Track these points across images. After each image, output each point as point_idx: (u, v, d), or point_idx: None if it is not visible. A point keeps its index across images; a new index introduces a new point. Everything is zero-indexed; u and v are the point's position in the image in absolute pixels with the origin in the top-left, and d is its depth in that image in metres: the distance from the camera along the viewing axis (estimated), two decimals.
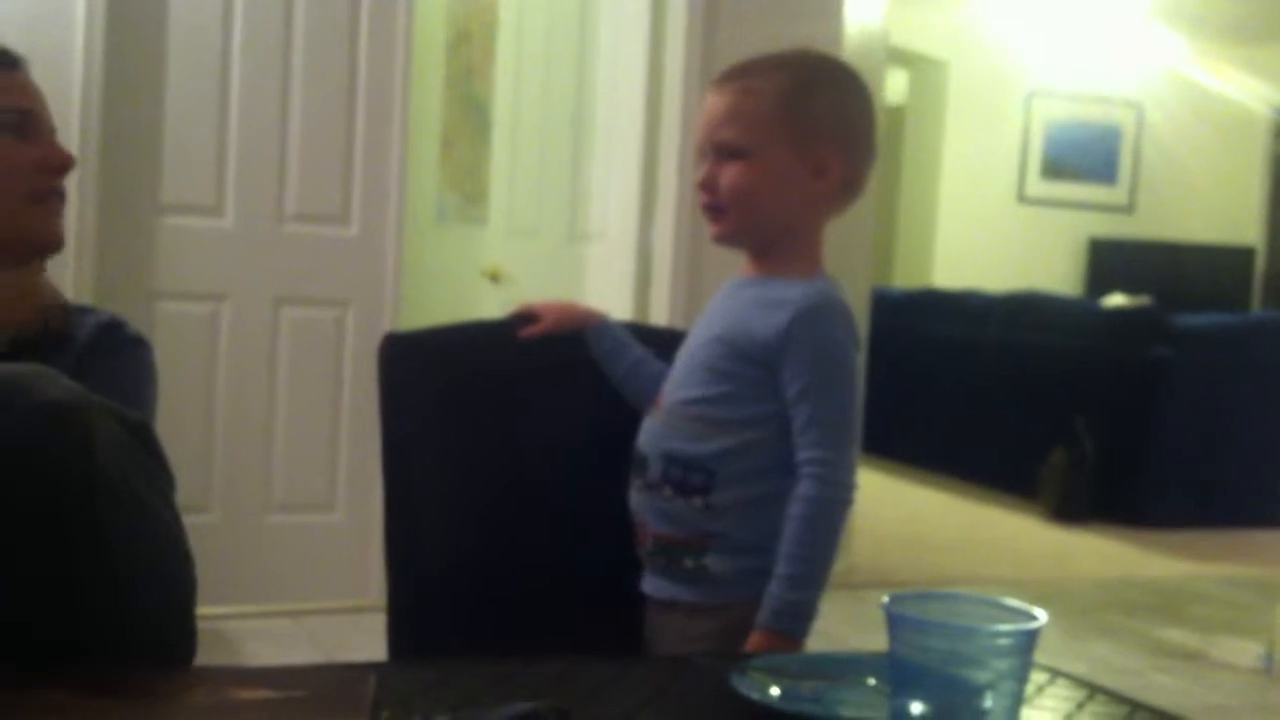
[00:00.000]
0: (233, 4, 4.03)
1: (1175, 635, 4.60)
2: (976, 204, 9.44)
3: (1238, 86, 9.76)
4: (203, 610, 1.50)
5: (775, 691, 1.21)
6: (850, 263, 4.66)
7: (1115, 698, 1.30)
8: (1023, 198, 9.58)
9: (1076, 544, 6.00)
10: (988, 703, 0.97)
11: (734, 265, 1.79)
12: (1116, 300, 7.16)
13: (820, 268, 1.73)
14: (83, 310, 1.78)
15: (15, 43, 1.78)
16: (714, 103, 1.71)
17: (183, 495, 1.51)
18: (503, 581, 1.80)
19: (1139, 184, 9.81)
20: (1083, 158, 9.67)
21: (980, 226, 9.44)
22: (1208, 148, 9.80)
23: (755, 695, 1.19)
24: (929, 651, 0.98)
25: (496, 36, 5.15)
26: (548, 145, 4.81)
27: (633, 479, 1.75)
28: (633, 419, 1.81)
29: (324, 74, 4.12)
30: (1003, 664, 0.98)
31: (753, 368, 1.67)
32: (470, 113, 5.60)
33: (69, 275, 3.64)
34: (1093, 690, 1.31)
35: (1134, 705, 1.28)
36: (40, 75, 1.77)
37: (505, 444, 1.82)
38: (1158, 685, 3.99)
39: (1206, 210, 9.89)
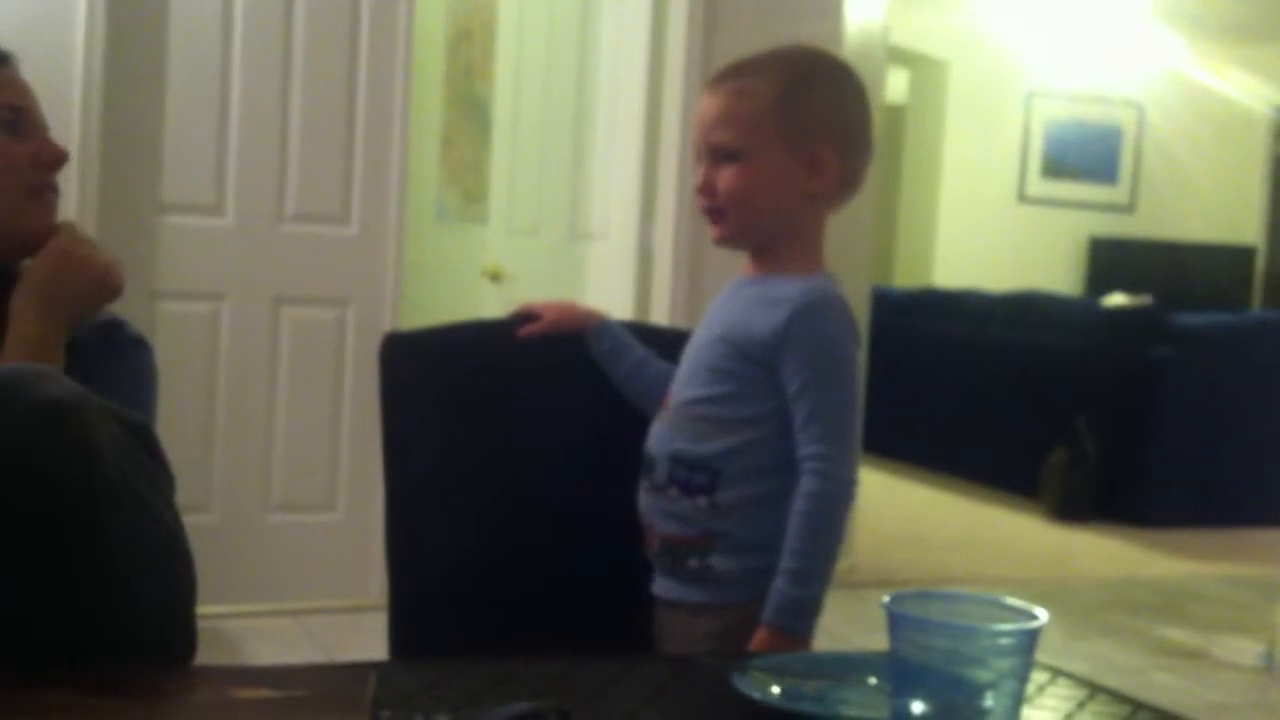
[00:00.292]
0: (233, 3, 4.03)
1: (1176, 634, 4.60)
2: (977, 203, 9.44)
3: (1238, 86, 9.76)
4: (203, 610, 1.49)
5: (777, 691, 1.21)
6: (851, 262, 4.65)
7: (1116, 697, 1.30)
8: (1023, 197, 9.58)
9: (1077, 543, 5.99)
10: (989, 702, 0.97)
11: (735, 264, 1.79)
12: (1117, 300, 7.16)
13: (821, 265, 1.73)
14: None
15: (15, 42, 1.78)
16: (708, 104, 1.71)
17: (183, 495, 1.51)
18: (503, 581, 1.80)
19: (1139, 183, 9.81)
20: (1083, 157, 9.67)
21: (981, 226, 9.44)
22: (1208, 147, 9.80)
23: (757, 694, 1.18)
24: (930, 651, 0.98)
25: (497, 35, 5.15)
26: (548, 144, 4.81)
27: (641, 480, 1.75)
28: (634, 418, 1.81)
29: (324, 73, 4.12)
30: (1004, 663, 0.98)
31: (753, 366, 1.67)
32: (471, 111, 5.60)
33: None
34: (1094, 689, 1.31)
35: (1135, 704, 1.28)
36: (40, 74, 1.77)
37: (506, 443, 1.82)
38: (1159, 684, 3.99)
39: (1207, 210, 9.89)
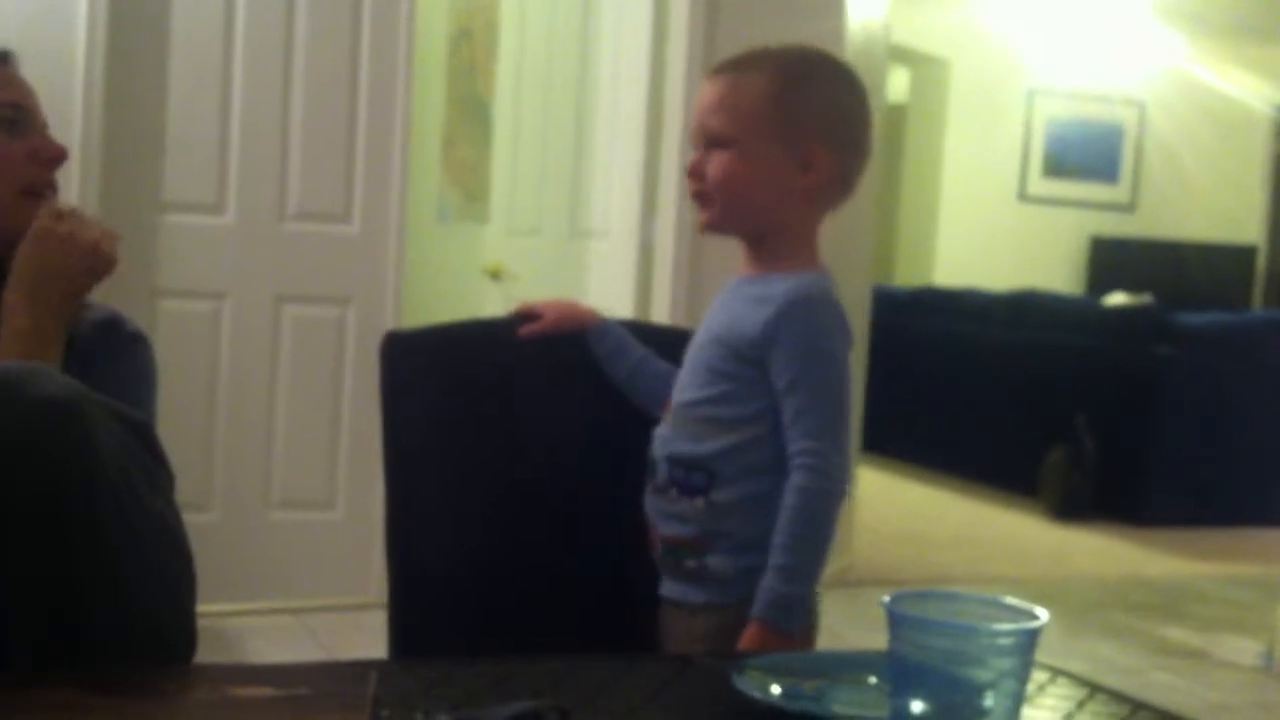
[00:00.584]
0: (234, 2, 4.03)
1: (1176, 634, 4.60)
2: (978, 202, 9.44)
3: (1239, 85, 9.76)
4: (203, 608, 1.50)
5: (776, 690, 1.21)
6: (851, 261, 4.66)
7: (1116, 696, 1.30)
8: (1024, 196, 9.57)
9: (1077, 542, 6.00)
10: (989, 702, 0.97)
11: (735, 262, 1.79)
12: (1117, 299, 7.15)
13: (815, 263, 1.73)
14: (82, 305, 1.77)
15: (17, 40, 1.78)
16: (707, 92, 1.72)
17: (183, 493, 1.51)
18: (504, 580, 1.80)
19: (1140, 182, 9.81)
20: (1084, 156, 9.67)
21: (981, 225, 9.44)
22: (1209, 146, 9.79)
23: (756, 694, 1.19)
24: (930, 650, 0.98)
25: (498, 34, 5.15)
26: (550, 143, 4.81)
27: (646, 484, 1.75)
28: (635, 417, 1.81)
29: (325, 71, 4.12)
30: (1004, 663, 0.98)
31: (747, 366, 1.67)
32: (472, 110, 5.60)
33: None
34: (1093, 689, 1.31)
35: (1135, 704, 1.28)
36: (42, 73, 1.78)
37: (507, 442, 1.82)
38: (1158, 684, 3.99)
39: (1208, 209, 9.88)
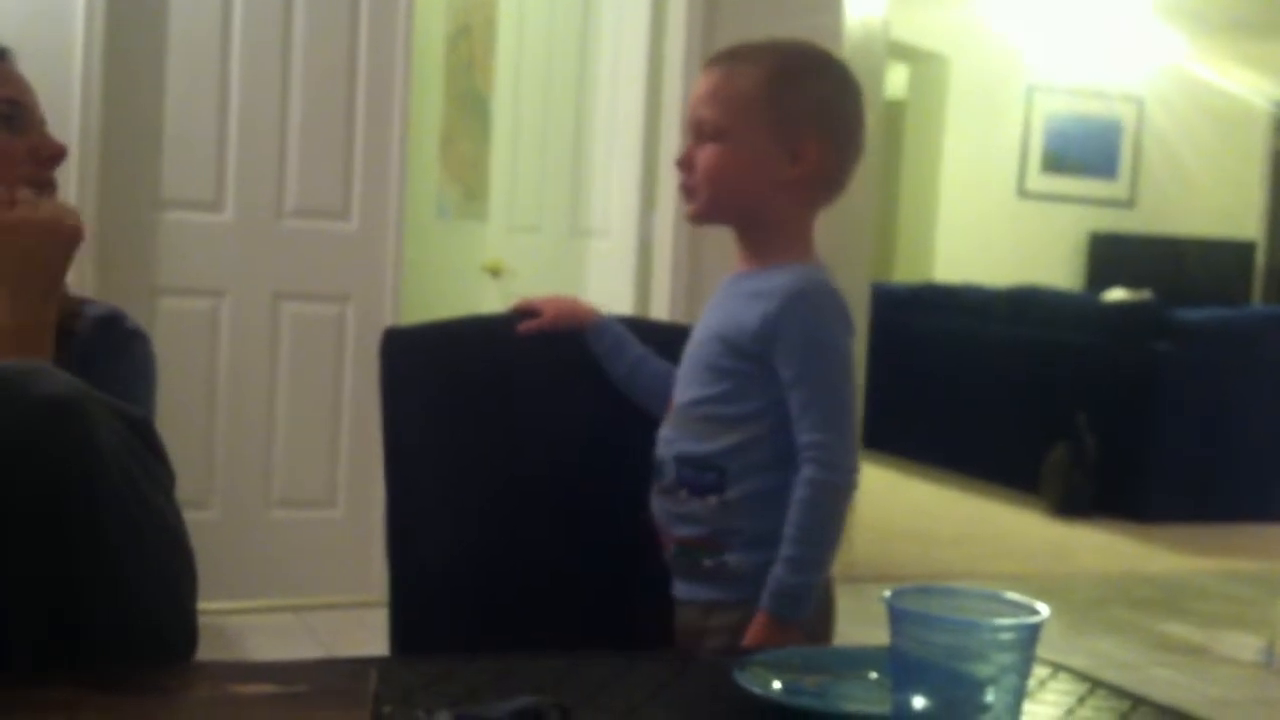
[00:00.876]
0: None
1: (1177, 630, 4.60)
2: (977, 199, 9.44)
3: (1238, 81, 9.76)
4: (203, 606, 1.49)
5: (778, 686, 1.21)
6: (851, 258, 4.65)
7: (1117, 692, 1.30)
8: (1023, 192, 9.57)
9: (1078, 538, 6.00)
10: (990, 697, 0.97)
11: (734, 259, 1.79)
12: (1117, 295, 7.15)
13: (810, 256, 1.73)
14: (81, 301, 1.77)
15: (15, 37, 1.78)
16: (700, 83, 1.74)
17: (183, 491, 1.51)
18: (503, 577, 1.80)
19: (1139, 178, 9.81)
20: (1083, 152, 9.67)
21: (981, 221, 9.44)
22: (1208, 142, 9.79)
23: (758, 690, 1.18)
24: (931, 646, 0.98)
25: (497, 31, 5.15)
26: (549, 140, 4.81)
27: (653, 486, 1.75)
28: (634, 414, 1.81)
29: (324, 68, 4.12)
30: (1005, 658, 0.98)
31: (748, 362, 1.67)
32: (471, 107, 5.60)
33: (70, 271, 3.63)
34: (1094, 685, 1.31)
35: (1135, 700, 1.28)
36: (40, 70, 1.77)
37: (506, 439, 1.82)
38: (1159, 679, 3.99)
39: (1207, 205, 9.89)
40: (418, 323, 1.90)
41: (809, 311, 1.67)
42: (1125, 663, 4.17)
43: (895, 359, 7.04)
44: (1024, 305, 7.16)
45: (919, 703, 0.98)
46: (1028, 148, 9.54)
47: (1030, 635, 0.99)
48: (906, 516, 6.26)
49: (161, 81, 3.99)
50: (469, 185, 5.60)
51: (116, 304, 1.79)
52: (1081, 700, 1.27)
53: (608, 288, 4.37)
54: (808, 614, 1.64)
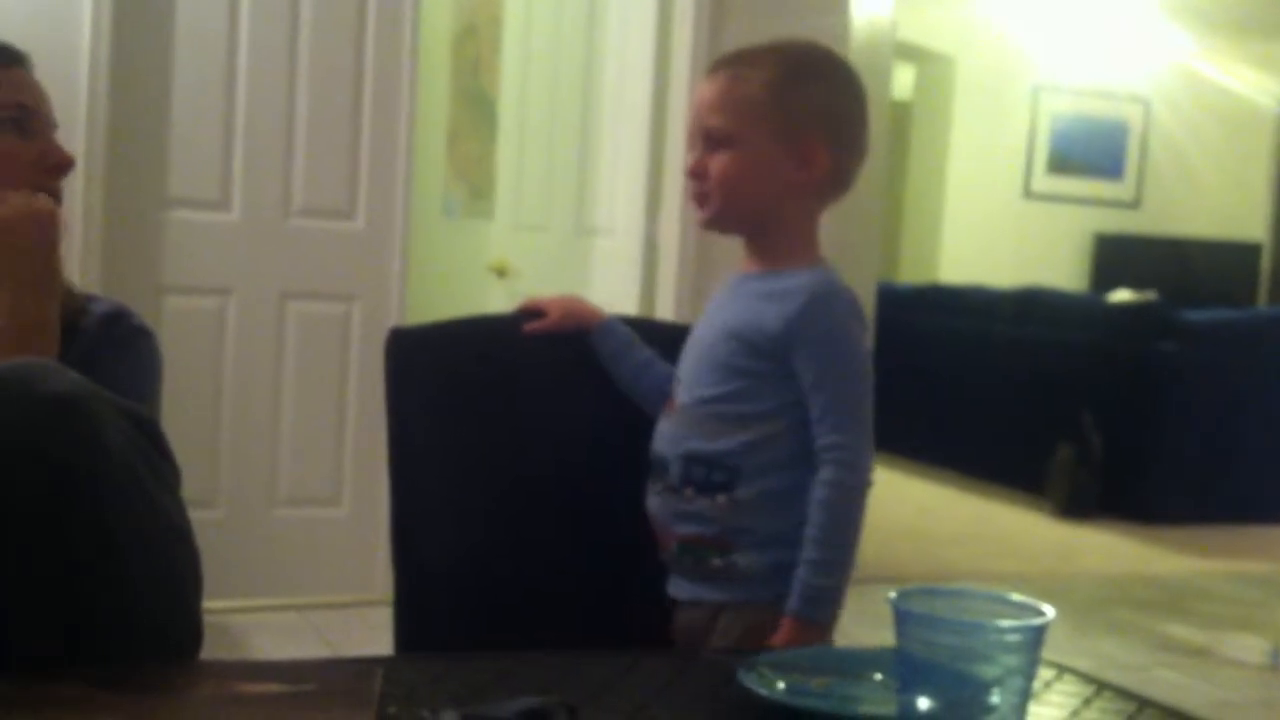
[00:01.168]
0: None
1: (1182, 631, 4.59)
2: (983, 199, 9.43)
3: (1245, 82, 9.75)
4: (208, 604, 1.50)
5: (783, 687, 1.21)
6: (857, 258, 4.65)
7: (1122, 693, 1.30)
8: (1029, 193, 9.57)
9: (1083, 539, 5.99)
10: (995, 698, 0.97)
11: (740, 259, 1.79)
12: (1122, 296, 7.15)
13: (819, 257, 1.74)
14: (87, 298, 1.77)
15: (21, 37, 1.78)
16: (706, 89, 1.73)
17: (189, 490, 1.51)
18: (508, 576, 1.80)
19: (1145, 179, 9.80)
20: (1089, 153, 9.66)
21: (986, 222, 9.43)
22: (1214, 143, 9.78)
23: (763, 691, 1.18)
24: (937, 647, 0.98)
25: (503, 30, 5.15)
26: (555, 140, 4.81)
27: (651, 484, 1.74)
28: (640, 414, 1.81)
29: (330, 68, 4.12)
30: (1010, 659, 0.98)
31: (765, 361, 1.68)
32: (477, 107, 5.60)
33: (76, 270, 3.64)
34: (1100, 686, 1.31)
35: (1140, 701, 1.27)
36: (46, 69, 1.77)
37: (512, 438, 1.82)
38: (1164, 681, 3.99)
39: (1213, 206, 9.87)
40: (423, 322, 1.89)
41: (830, 313, 1.67)
42: (1130, 664, 4.16)
43: (900, 359, 7.02)
44: (1029, 306, 7.15)
45: (924, 704, 0.98)
46: (1033, 148, 9.53)
47: (1036, 637, 0.99)
48: (911, 516, 6.25)
49: (168, 80, 3.99)
50: (475, 184, 5.60)
51: (122, 300, 1.79)
52: (1087, 702, 1.27)
53: (613, 287, 4.37)
54: (834, 616, 1.64)
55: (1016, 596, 1.03)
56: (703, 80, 1.75)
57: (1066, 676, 1.33)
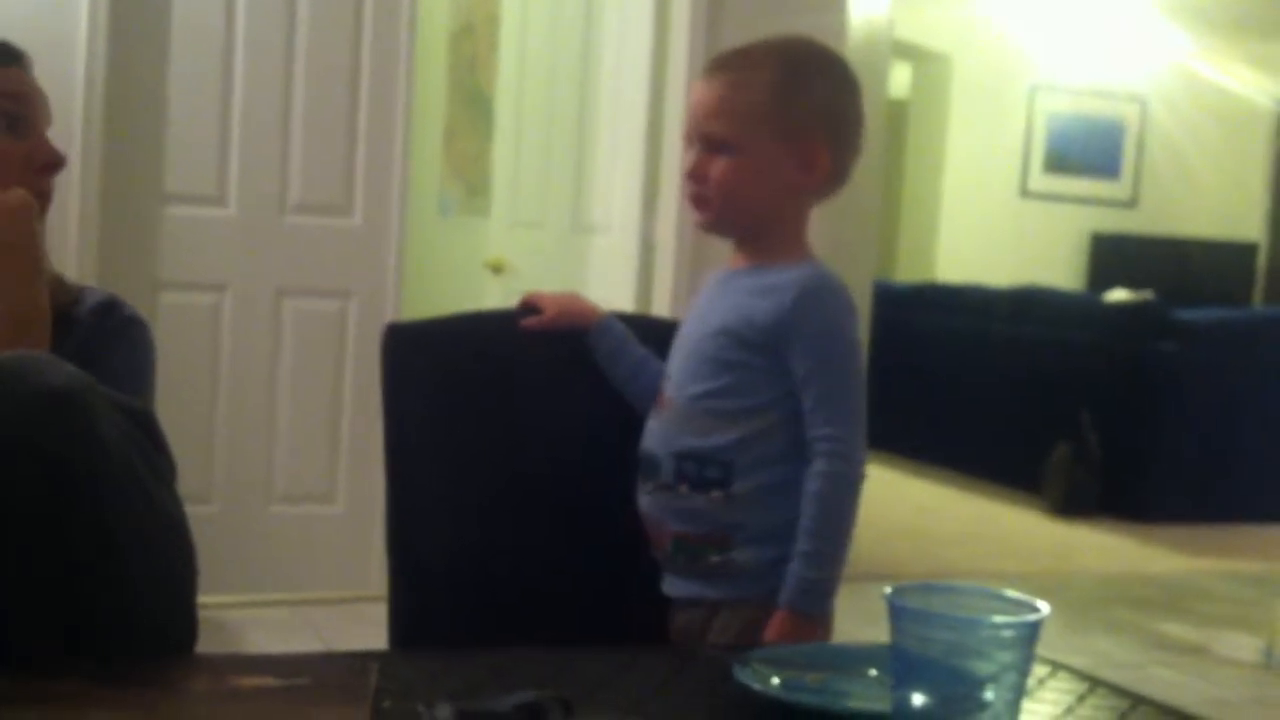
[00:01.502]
0: None
1: (1177, 630, 4.60)
2: (979, 198, 9.43)
3: (1242, 81, 9.75)
4: (203, 599, 1.50)
5: (777, 682, 1.21)
6: (853, 256, 4.65)
7: (1116, 691, 1.30)
8: (1026, 192, 9.57)
9: (1079, 538, 6.00)
10: (990, 695, 0.97)
11: (730, 256, 1.79)
12: (1119, 295, 7.15)
13: (809, 252, 1.74)
14: (80, 289, 1.76)
15: (19, 33, 1.77)
16: (704, 92, 1.72)
17: (184, 486, 1.51)
18: (504, 573, 1.80)
19: (1142, 178, 9.80)
20: (1086, 152, 9.66)
21: (983, 221, 9.43)
22: (1211, 142, 9.78)
23: (758, 686, 1.18)
24: (931, 643, 0.98)
25: (499, 28, 5.15)
26: (551, 137, 4.81)
27: (642, 483, 1.74)
28: (635, 412, 1.81)
29: (327, 64, 4.12)
30: (1005, 656, 0.98)
31: (757, 355, 1.67)
32: (473, 104, 5.60)
33: (72, 265, 3.64)
34: (1094, 683, 1.31)
35: (1135, 699, 1.28)
36: (43, 65, 1.76)
37: (507, 435, 1.82)
38: (1159, 679, 3.99)
39: (1210, 205, 9.88)
40: (419, 319, 1.89)
41: (822, 307, 1.67)
42: (1125, 662, 4.17)
43: (897, 358, 7.04)
44: (1026, 305, 7.15)
45: (919, 700, 0.98)
46: (1030, 147, 9.53)
47: (1031, 633, 0.99)
48: (908, 515, 6.26)
49: (164, 76, 3.99)
50: (471, 181, 5.60)
51: (116, 291, 1.78)
52: (1081, 699, 1.27)
53: (609, 284, 4.37)
54: (829, 609, 1.64)
55: (1011, 593, 1.03)
56: (699, 81, 1.74)
57: (1061, 673, 1.33)
